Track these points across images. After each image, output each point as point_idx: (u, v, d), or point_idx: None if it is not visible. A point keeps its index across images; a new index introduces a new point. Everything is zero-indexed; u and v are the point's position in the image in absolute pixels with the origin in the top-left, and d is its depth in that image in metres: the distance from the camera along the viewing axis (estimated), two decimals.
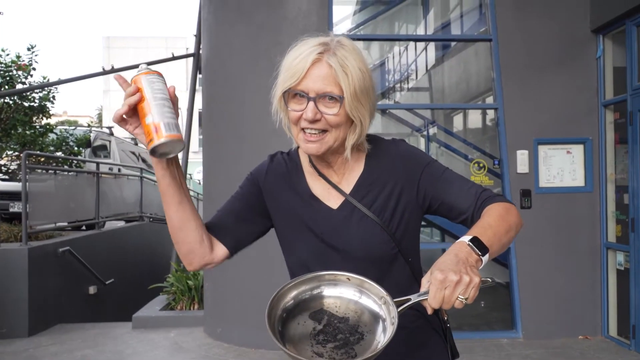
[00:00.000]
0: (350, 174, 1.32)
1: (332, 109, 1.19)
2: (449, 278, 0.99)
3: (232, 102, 5.00)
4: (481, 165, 5.02)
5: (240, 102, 4.94)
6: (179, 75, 28.28)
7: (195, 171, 22.53)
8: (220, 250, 1.34)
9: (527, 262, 4.78)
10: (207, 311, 5.28)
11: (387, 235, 1.26)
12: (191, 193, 13.47)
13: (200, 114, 8.07)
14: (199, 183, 19.99)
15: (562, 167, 4.84)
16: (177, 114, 1.15)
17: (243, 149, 4.91)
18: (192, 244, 1.32)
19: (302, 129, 1.22)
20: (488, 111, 7.16)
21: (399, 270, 1.30)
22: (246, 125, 4.91)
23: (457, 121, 7.92)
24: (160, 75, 1.12)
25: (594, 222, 4.83)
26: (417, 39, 7.92)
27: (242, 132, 4.93)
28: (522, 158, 4.80)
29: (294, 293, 1.07)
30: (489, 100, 7.01)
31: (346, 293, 1.08)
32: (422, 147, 7.35)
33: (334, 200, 1.31)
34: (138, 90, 1.11)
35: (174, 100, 1.16)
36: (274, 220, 1.38)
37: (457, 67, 7.71)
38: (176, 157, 1.22)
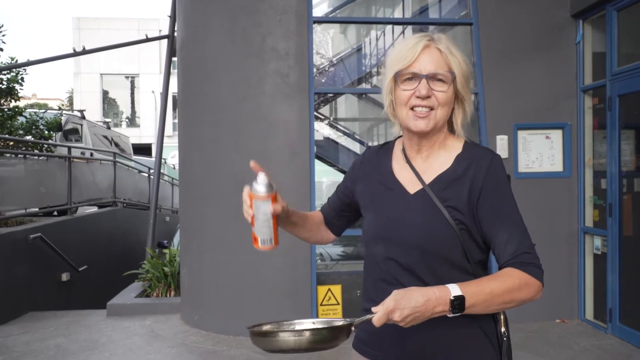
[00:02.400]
0: (436, 166, 1.37)
1: (442, 87, 1.31)
2: (395, 316, 1.14)
3: (208, 84, 4.87)
4: None
5: (216, 84, 4.81)
6: (152, 58, 27.73)
7: (170, 155, 22.18)
8: (331, 235, 1.65)
9: None
10: (183, 298, 5.19)
11: (452, 232, 1.30)
12: (165, 178, 13.28)
13: (174, 97, 7.88)
14: (174, 168, 19.69)
15: (541, 152, 4.86)
16: (274, 227, 1.35)
17: (219, 132, 4.79)
18: (316, 241, 1.66)
19: (412, 108, 1.33)
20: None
21: (450, 271, 1.31)
22: (222, 108, 4.79)
23: None
24: (267, 198, 1.32)
25: (571, 207, 4.88)
26: (395, 22, 7.85)
27: (218, 115, 4.81)
28: (501, 143, 4.80)
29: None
30: None
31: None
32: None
33: (412, 187, 1.38)
34: (251, 206, 1.34)
35: (275, 215, 1.34)
36: (360, 202, 1.50)
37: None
38: (288, 222, 1.48)
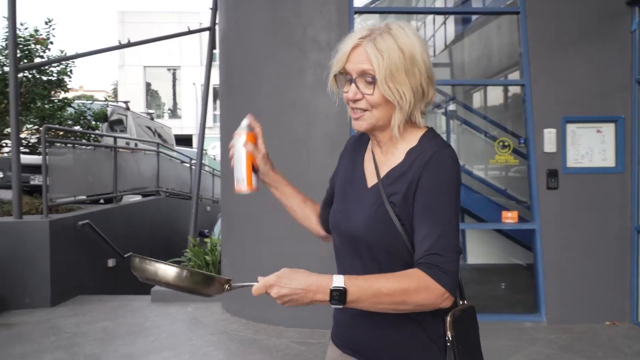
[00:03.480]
0: (391, 160, 1.34)
1: (369, 90, 1.26)
2: (272, 291, 1.15)
3: (249, 76, 4.92)
4: (506, 144, 4.89)
5: (257, 76, 4.85)
6: (193, 50, 28.17)
7: (210, 146, 22.53)
8: (321, 230, 1.59)
9: (553, 244, 4.67)
10: None
11: (394, 228, 1.27)
12: (206, 168, 13.49)
13: (215, 89, 7.99)
14: (214, 158, 19.99)
15: (591, 146, 4.69)
16: (247, 167, 1.44)
17: (260, 123, 4.81)
18: (305, 227, 1.62)
19: (352, 108, 1.32)
20: (511, 88, 6.99)
21: (395, 267, 1.25)
22: (263, 99, 4.83)
23: (478, 98, 7.75)
24: (242, 134, 1.43)
25: (624, 205, 4.69)
26: (438, 12, 7.72)
27: (259, 106, 4.84)
28: (549, 137, 4.66)
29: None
30: (512, 76, 6.83)
31: None
32: (442, 124, 7.23)
33: (371, 180, 1.37)
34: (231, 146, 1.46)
35: (248, 154, 1.44)
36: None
37: (478, 42, 7.51)
38: (273, 180, 1.53)
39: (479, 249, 7.13)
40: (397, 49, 1.24)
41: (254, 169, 1.46)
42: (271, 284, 1.15)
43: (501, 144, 4.91)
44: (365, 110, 1.28)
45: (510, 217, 4.82)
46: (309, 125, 4.65)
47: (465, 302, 1.38)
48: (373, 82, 1.25)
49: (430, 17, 7.90)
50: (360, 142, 1.47)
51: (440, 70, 8.24)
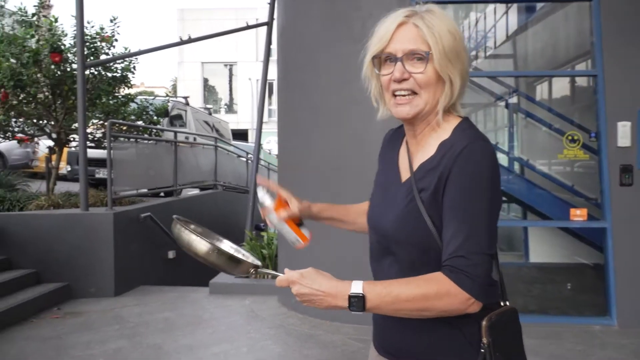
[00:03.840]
0: (425, 152, 1.26)
1: (419, 68, 1.19)
2: (293, 288, 1.16)
3: (308, 70, 4.89)
4: (575, 138, 4.64)
5: (315, 70, 4.81)
6: (249, 46, 28.56)
7: (265, 141, 22.80)
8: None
9: (626, 243, 4.40)
10: None
11: (424, 225, 1.19)
12: (262, 163, 13.66)
13: (270, 84, 8.05)
14: (269, 153, 20.21)
15: None
16: (293, 228, 1.47)
17: (318, 118, 4.80)
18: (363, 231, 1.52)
19: (393, 94, 1.24)
20: (578, 79, 6.66)
21: (427, 266, 1.18)
22: (322, 93, 4.79)
23: (541, 90, 7.43)
24: (268, 208, 1.44)
25: None
26: (501, 0, 7.42)
27: (318, 100, 4.81)
28: (623, 130, 4.38)
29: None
30: (580, 67, 6.50)
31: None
32: (504, 117, 6.97)
33: (405, 174, 1.30)
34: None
35: (287, 219, 1.45)
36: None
37: (543, 32, 7.20)
38: (316, 216, 1.51)
39: (541, 248, 6.85)
40: (447, 31, 1.20)
41: (300, 223, 1.47)
42: (294, 280, 1.16)
43: (570, 137, 4.66)
44: (411, 92, 1.21)
45: (579, 215, 4.58)
46: (368, 120, 4.53)
47: (507, 304, 1.28)
48: (425, 58, 1.18)
49: (490, 7, 7.62)
50: (395, 137, 1.41)
51: (502, 62, 7.95)
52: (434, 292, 1.10)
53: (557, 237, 6.65)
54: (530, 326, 1.20)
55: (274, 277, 1.22)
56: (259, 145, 7.44)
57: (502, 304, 1.27)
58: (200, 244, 1.26)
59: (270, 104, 26.08)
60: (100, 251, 5.62)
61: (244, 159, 12.77)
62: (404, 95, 1.22)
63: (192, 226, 1.38)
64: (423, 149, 1.26)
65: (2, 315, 4.51)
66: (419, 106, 1.21)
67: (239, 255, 1.37)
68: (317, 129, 4.80)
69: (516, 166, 6.70)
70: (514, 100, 6.91)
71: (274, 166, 15.27)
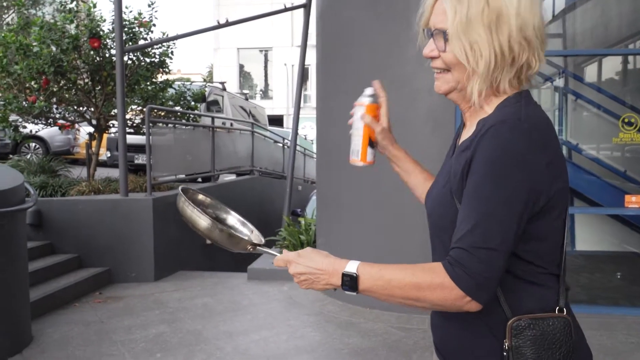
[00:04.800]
0: (469, 130, 1.16)
1: (442, 46, 1.10)
2: (290, 268, 1.14)
3: (348, 52, 4.73)
4: (632, 120, 4.37)
5: (356, 51, 4.66)
6: (285, 31, 28.41)
7: (300, 127, 22.74)
8: None
9: None
10: None
11: (455, 209, 1.09)
12: (297, 148, 13.60)
13: (305, 69, 7.93)
14: (305, 138, 20.13)
15: None
16: (363, 139, 1.37)
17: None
18: None
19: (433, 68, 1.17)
20: (631, 58, 6.31)
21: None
22: (362, 76, 4.62)
23: (591, 71, 7.08)
24: (362, 104, 1.36)
25: None
26: None
27: (358, 83, 4.61)
28: None
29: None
30: (634, 46, 6.15)
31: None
32: (554, 98, 6.67)
33: None
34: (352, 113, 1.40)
35: (366, 126, 1.36)
36: None
37: (593, 10, 6.84)
38: (392, 156, 1.43)
39: (588, 235, 6.58)
40: (474, 6, 1.05)
41: (372, 143, 1.37)
42: (290, 259, 1.14)
43: (626, 120, 4.39)
44: (444, 70, 1.13)
45: (634, 202, 4.32)
46: (411, 102, 4.40)
47: (564, 311, 1.09)
48: (444, 35, 1.09)
49: None
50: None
51: (550, 42, 7.61)
52: (427, 282, 1.03)
53: (605, 225, 6.37)
54: (579, 316, 1.08)
55: (272, 256, 1.20)
56: (296, 131, 7.34)
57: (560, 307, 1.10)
58: (200, 220, 1.25)
59: (305, 89, 25.97)
60: (140, 236, 5.66)
61: (280, 145, 12.72)
62: (437, 72, 1.15)
63: (201, 197, 1.38)
64: (470, 126, 1.16)
65: (47, 299, 4.58)
66: (450, 83, 1.13)
67: (244, 230, 1.38)
68: None
69: (564, 150, 6.43)
70: (561, 81, 6.61)
71: (310, 152, 15.20)
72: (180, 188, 1.32)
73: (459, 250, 1.01)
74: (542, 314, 1.08)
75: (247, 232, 1.39)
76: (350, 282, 1.07)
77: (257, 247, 1.29)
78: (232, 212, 1.43)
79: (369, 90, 1.36)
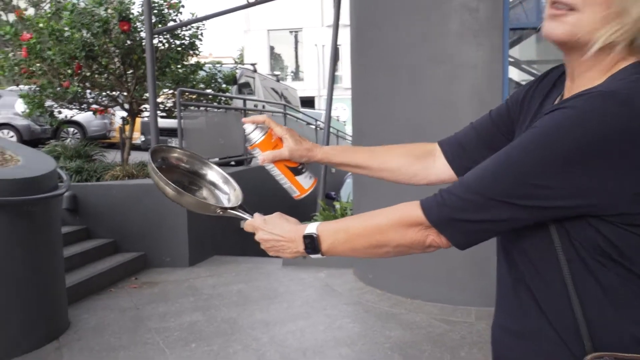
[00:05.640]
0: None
1: None
2: (257, 234, 1.08)
3: (384, 27, 4.48)
4: None
5: (392, 26, 4.40)
6: (315, 11, 28.00)
7: (332, 108, 22.44)
8: (442, 174, 1.22)
9: None
10: None
11: None
12: (330, 130, 13.41)
13: (337, 49, 7.69)
14: (337, 119, 19.88)
15: None
16: (286, 175, 1.25)
17: (395, 80, 4.41)
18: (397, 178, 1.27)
19: (552, 3, 0.86)
20: None
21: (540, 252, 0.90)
22: (399, 52, 4.38)
23: None
24: (254, 147, 1.20)
25: None
26: None
27: (395, 60, 4.41)
28: None
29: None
30: None
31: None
32: None
33: None
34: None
35: (276, 161, 1.22)
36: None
37: None
38: (324, 158, 1.25)
39: None
40: None
41: (296, 170, 1.22)
42: (256, 226, 1.08)
43: None
44: (570, 8, 0.84)
45: None
46: (453, 79, 4.14)
47: None
48: None
49: None
50: (550, 79, 1.03)
51: None
52: (386, 220, 0.93)
53: None
54: None
55: (242, 220, 1.13)
56: (329, 112, 7.14)
57: None
58: (166, 187, 1.15)
59: (337, 70, 25.64)
60: (174, 221, 5.59)
61: (313, 126, 12.54)
62: (559, 8, 0.85)
63: (178, 152, 1.26)
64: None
65: (83, 284, 4.56)
66: (571, 28, 0.84)
67: (225, 187, 1.27)
68: (394, 92, 4.42)
69: None
70: None
71: (342, 133, 14.97)
72: (150, 149, 1.20)
73: (446, 192, 0.88)
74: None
75: (229, 190, 1.27)
76: (311, 243, 1.00)
77: (228, 211, 1.16)
78: (215, 167, 1.29)
79: (248, 129, 1.19)
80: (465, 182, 0.88)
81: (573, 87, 0.91)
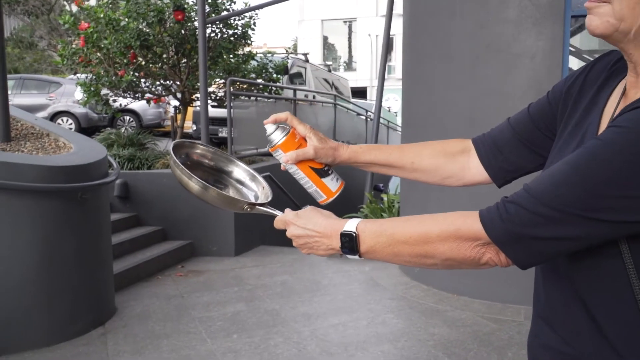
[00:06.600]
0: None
1: None
2: (288, 230, 1.00)
3: (439, 14, 4.31)
4: None
5: (448, 13, 4.22)
6: (369, 1, 27.67)
7: (384, 98, 22.19)
8: (476, 176, 1.11)
9: None
10: None
11: None
12: (380, 121, 13.21)
13: (390, 39, 7.51)
14: (389, 110, 19.60)
15: None
16: (310, 177, 1.17)
17: (450, 69, 4.24)
18: (441, 182, 1.16)
19: None
20: None
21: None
22: (455, 41, 4.20)
23: None
24: (276, 149, 1.12)
25: None
26: None
27: (450, 49, 4.24)
28: None
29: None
30: None
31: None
32: None
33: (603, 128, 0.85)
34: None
35: (299, 161, 1.13)
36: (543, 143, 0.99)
37: None
38: (347, 159, 1.17)
39: None
40: None
41: (322, 172, 1.13)
42: (288, 220, 0.99)
43: None
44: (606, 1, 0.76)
45: None
46: (510, 69, 3.93)
47: None
48: None
49: None
50: (606, 73, 0.90)
51: None
52: (437, 231, 0.83)
53: None
54: None
55: (273, 217, 1.05)
56: (380, 103, 6.99)
57: None
58: (189, 182, 1.07)
59: (390, 60, 25.27)
60: (221, 210, 5.61)
61: (363, 117, 12.39)
62: (595, 3, 0.78)
63: (200, 149, 1.19)
64: (634, 95, 0.80)
65: (131, 271, 4.66)
66: (607, 19, 0.77)
67: (252, 185, 1.21)
68: (449, 82, 4.25)
69: None
70: None
71: (393, 124, 14.72)
72: (172, 144, 1.12)
73: (508, 202, 0.78)
74: None
75: (256, 187, 1.20)
76: (349, 242, 0.90)
77: (256, 207, 1.09)
78: (241, 164, 1.22)
79: (270, 129, 1.11)
80: (534, 192, 0.76)
81: (639, 82, 0.80)
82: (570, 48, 4.19)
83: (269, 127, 1.11)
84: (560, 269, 0.84)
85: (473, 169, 1.09)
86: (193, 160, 1.18)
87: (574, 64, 5.21)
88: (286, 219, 1.01)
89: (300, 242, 0.98)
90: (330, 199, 1.15)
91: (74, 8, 17.11)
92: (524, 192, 0.78)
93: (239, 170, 1.22)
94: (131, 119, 11.91)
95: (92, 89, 7.00)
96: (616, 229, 0.72)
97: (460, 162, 1.11)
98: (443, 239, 0.83)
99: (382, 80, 7.05)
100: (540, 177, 0.78)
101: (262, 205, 1.11)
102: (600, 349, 0.79)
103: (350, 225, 0.91)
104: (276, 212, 1.07)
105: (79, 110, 11.26)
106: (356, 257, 0.92)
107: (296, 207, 1.03)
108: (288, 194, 6.90)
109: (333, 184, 1.15)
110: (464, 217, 0.83)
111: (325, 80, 12.77)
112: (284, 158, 1.11)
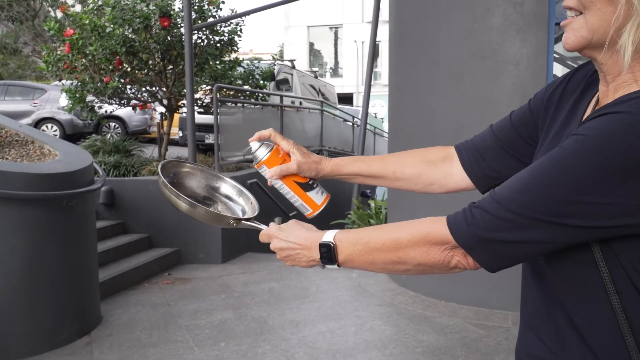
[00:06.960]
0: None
1: None
2: (272, 243, 1.01)
3: (425, 21, 4.35)
4: None
5: (434, 20, 4.26)
6: (355, 7, 27.82)
7: (370, 104, 22.30)
8: (460, 182, 1.11)
9: None
10: None
11: None
12: (367, 127, 13.26)
13: (376, 45, 7.55)
14: (375, 116, 19.68)
15: None
16: (295, 191, 1.18)
17: (436, 76, 4.27)
18: (415, 187, 1.17)
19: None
20: None
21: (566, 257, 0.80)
22: (441, 47, 4.24)
23: None
24: (261, 165, 1.15)
25: None
26: None
27: (436, 56, 4.27)
28: None
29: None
30: None
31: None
32: None
33: None
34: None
35: (282, 176, 1.15)
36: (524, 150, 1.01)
37: None
38: (331, 172, 1.17)
39: None
40: None
41: (306, 185, 1.15)
42: (272, 234, 1.01)
43: None
44: (576, 12, 0.78)
45: None
46: (495, 75, 3.97)
47: None
48: None
49: None
50: (584, 82, 0.92)
51: None
52: (408, 236, 0.85)
53: None
54: None
55: (258, 230, 1.07)
56: (367, 109, 7.02)
57: None
58: (178, 201, 1.10)
59: (376, 66, 25.40)
60: None
61: (350, 123, 12.43)
62: (571, 15, 0.80)
63: (188, 167, 1.23)
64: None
65: (117, 279, 4.61)
66: (580, 32, 0.78)
67: (240, 200, 1.24)
68: (434, 88, 4.28)
69: None
70: None
71: (380, 130, 14.79)
72: (160, 164, 1.17)
73: (475, 208, 0.80)
74: None
75: (244, 202, 1.24)
76: (327, 252, 0.92)
77: (242, 222, 1.12)
78: (229, 180, 1.26)
79: (254, 147, 1.14)
80: (498, 197, 0.78)
81: (609, 92, 0.81)
82: (555, 55, 4.26)
83: (254, 145, 1.14)
84: (542, 276, 0.85)
85: (456, 175, 1.10)
86: (181, 178, 1.21)
87: (558, 70, 5.28)
88: (270, 232, 1.03)
89: (283, 255, 1.00)
90: (316, 212, 1.17)
91: (59, 14, 16.99)
92: (490, 197, 0.80)
93: (227, 186, 1.26)
94: (117, 126, 11.82)
95: (78, 95, 6.93)
96: (583, 234, 0.74)
97: (442, 170, 1.12)
98: (413, 244, 0.85)
99: (368, 86, 7.09)
100: (507, 182, 0.80)
101: (247, 220, 1.13)
102: (584, 356, 0.79)
103: (328, 236, 0.94)
104: (261, 225, 1.09)
105: (63, 116, 11.16)
106: (335, 266, 0.94)
107: (282, 212, 1.05)
108: (274, 200, 6.89)
109: (318, 197, 1.17)
110: (433, 222, 0.85)
111: (312, 86, 12.80)
112: (268, 174, 1.14)
